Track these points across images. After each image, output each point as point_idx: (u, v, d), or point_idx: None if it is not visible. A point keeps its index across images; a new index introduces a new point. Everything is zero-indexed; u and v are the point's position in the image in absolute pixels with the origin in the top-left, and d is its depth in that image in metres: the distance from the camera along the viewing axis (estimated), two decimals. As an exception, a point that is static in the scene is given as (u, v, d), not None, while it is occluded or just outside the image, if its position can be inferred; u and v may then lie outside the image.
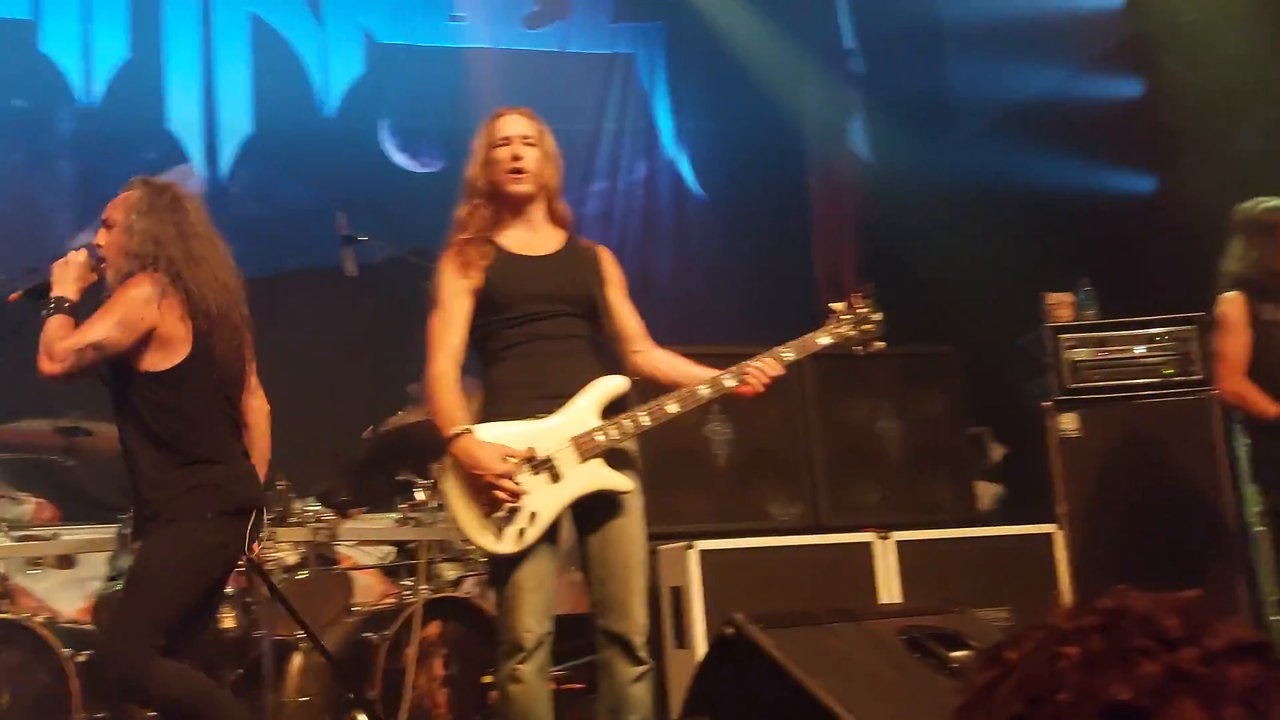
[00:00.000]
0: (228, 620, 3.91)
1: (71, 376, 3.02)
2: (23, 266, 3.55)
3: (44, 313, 3.05)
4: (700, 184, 7.56)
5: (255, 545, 3.26)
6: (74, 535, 4.41)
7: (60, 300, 3.05)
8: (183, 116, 7.00)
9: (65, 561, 4.35)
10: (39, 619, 3.84)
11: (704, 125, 7.55)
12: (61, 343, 2.97)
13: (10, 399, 5.37)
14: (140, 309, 2.99)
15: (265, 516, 3.18)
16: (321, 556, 4.20)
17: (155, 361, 3.02)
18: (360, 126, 7.14)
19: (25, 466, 4.73)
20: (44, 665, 3.66)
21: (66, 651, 3.65)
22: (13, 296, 3.16)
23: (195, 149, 6.99)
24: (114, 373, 3.05)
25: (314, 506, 4.20)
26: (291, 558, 4.10)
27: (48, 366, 2.99)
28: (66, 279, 3.08)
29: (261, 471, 3.31)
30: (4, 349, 5.89)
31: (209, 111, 7.02)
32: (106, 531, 4.10)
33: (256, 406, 3.33)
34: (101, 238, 3.16)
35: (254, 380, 3.33)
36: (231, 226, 6.90)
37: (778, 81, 7.21)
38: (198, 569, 2.99)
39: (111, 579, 3.98)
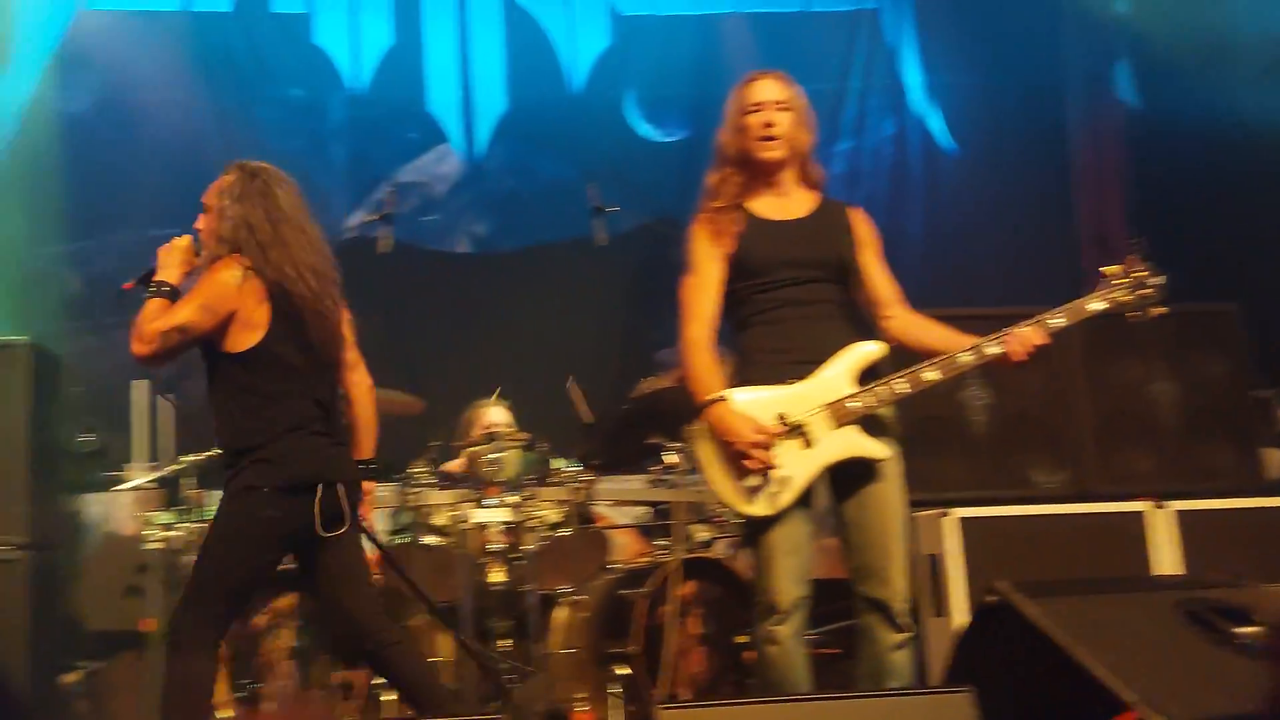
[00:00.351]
0: (496, 574, 4.12)
1: (158, 358, 3.09)
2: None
3: (144, 297, 3.13)
4: (953, 139, 7.32)
5: (364, 510, 3.34)
6: (358, 493, 4.74)
7: (160, 284, 3.12)
8: (441, 98, 7.36)
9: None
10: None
11: (955, 78, 7.30)
12: (150, 325, 3.04)
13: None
14: (222, 292, 3.05)
15: (340, 490, 3.09)
16: (581, 515, 4.36)
17: (236, 343, 3.07)
18: (607, 99, 7.30)
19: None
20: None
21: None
22: (126, 285, 3.24)
23: (454, 129, 7.34)
24: (204, 352, 3.12)
25: (574, 467, 4.35)
26: (553, 516, 4.27)
27: (137, 348, 3.07)
28: (170, 264, 3.17)
29: (368, 443, 3.41)
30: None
31: (466, 92, 7.36)
32: (387, 489, 4.38)
33: (357, 381, 3.39)
34: (200, 222, 3.22)
35: (354, 355, 3.37)
36: (488, 203, 7.31)
37: (1033, 27, 6.87)
38: (250, 541, 3.05)
39: (395, 533, 4.28)
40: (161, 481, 5.21)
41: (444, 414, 5.03)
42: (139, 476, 5.36)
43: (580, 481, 4.33)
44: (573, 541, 4.28)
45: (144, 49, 6.95)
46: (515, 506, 4.11)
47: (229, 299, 3.05)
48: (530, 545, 4.06)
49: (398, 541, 4.25)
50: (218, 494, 4.20)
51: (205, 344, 3.09)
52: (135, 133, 6.86)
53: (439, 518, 4.26)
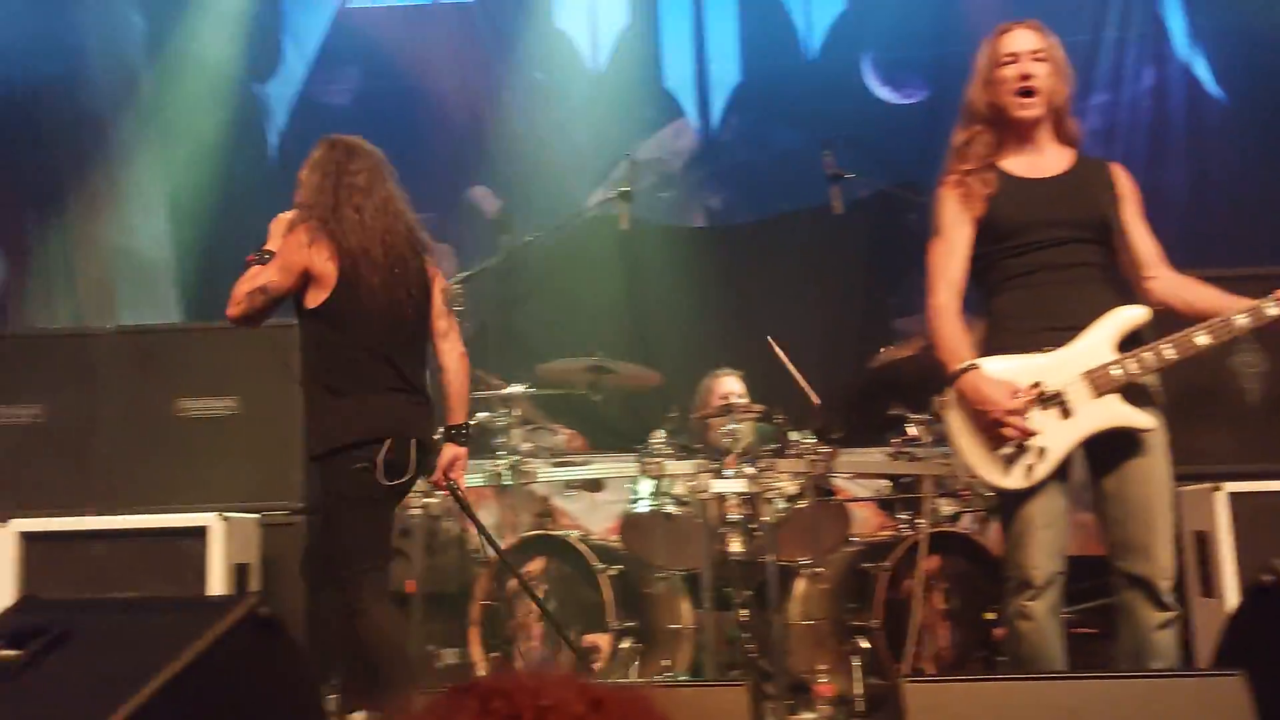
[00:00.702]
0: (735, 544, 4.15)
1: (249, 317, 3.35)
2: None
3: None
4: (1220, 87, 6.77)
5: (446, 473, 3.48)
6: (600, 463, 4.88)
7: (265, 253, 3.37)
8: (677, 73, 7.41)
9: (594, 485, 4.84)
10: (575, 535, 4.30)
11: (1224, 21, 6.74)
12: (239, 287, 3.31)
13: (547, 341, 6.04)
14: (294, 252, 3.28)
15: (414, 448, 3.26)
16: (819, 488, 4.32)
17: (311, 299, 3.30)
18: (842, 64, 7.15)
19: (559, 401, 5.30)
20: (582, 576, 4.10)
21: (600, 565, 4.06)
22: (249, 258, 3.43)
23: (689, 103, 7.38)
24: (296, 311, 3.36)
25: (810, 439, 4.31)
26: (791, 488, 4.25)
27: (230, 309, 3.35)
28: (274, 234, 3.41)
29: (459, 410, 3.51)
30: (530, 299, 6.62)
31: (700, 66, 7.37)
32: (627, 459, 4.48)
33: (448, 349, 3.51)
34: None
35: (445, 324, 3.51)
36: (723, 176, 7.31)
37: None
38: (354, 492, 3.25)
39: (634, 502, 4.37)
40: (420, 451, 5.50)
41: (681, 386, 5.09)
42: (400, 446, 5.69)
43: (818, 454, 4.28)
44: (812, 513, 4.24)
45: (397, 42, 7.33)
46: (752, 478, 4.11)
47: (299, 257, 3.28)
48: (768, 516, 4.06)
49: (638, 510, 4.33)
50: (471, 463, 4.41)
51: (295, 302, 3.34)
52: (390, 122, 7.24)
53: (679, 487, 4.31)
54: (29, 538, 4.18)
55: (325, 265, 3.29)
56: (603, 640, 3.97)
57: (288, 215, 3.45)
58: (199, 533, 4.17)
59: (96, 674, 2.50)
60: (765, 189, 7.05)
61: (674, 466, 4.22)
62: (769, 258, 6.57)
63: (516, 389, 4.48)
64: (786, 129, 6.87)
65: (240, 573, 4.24)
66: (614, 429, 6.04)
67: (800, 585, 4.17)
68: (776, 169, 6.94)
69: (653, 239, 6.75)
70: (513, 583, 4.10)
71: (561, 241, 6.43)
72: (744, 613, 4.10)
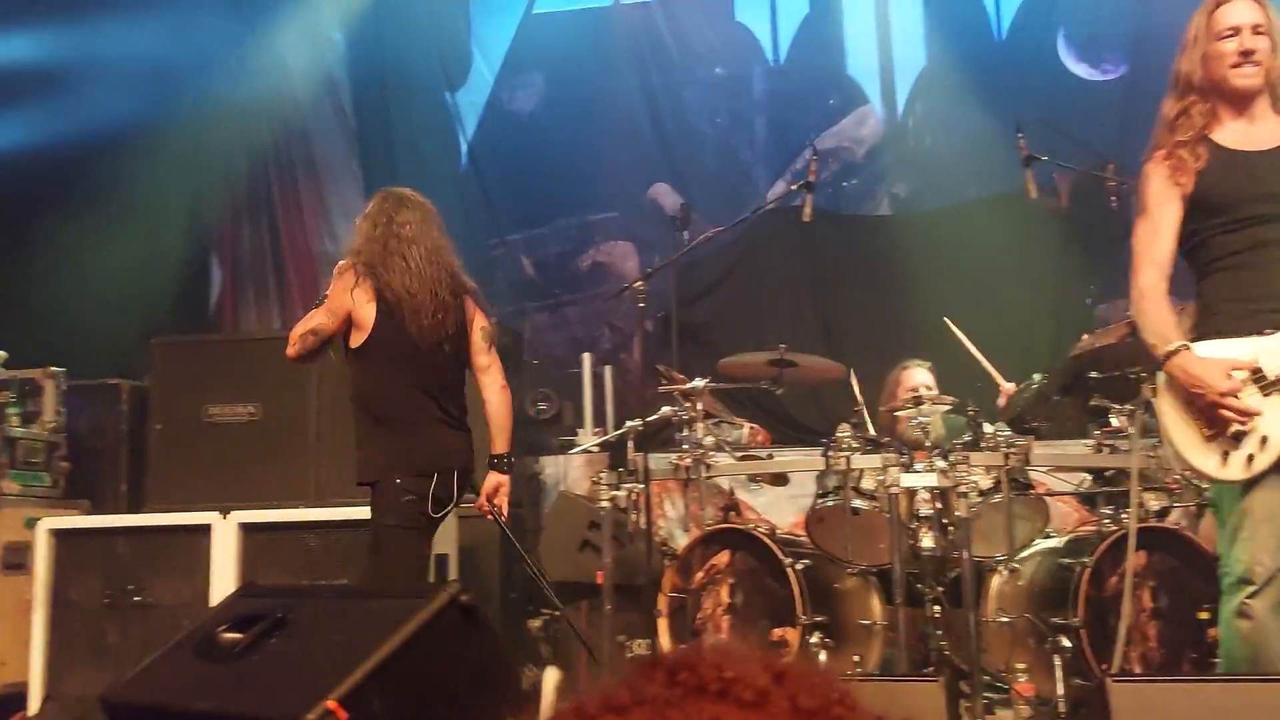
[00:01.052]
0: (926, 539, 4.06)
1: (304, 358, 3.67)
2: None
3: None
4: None
5: (490, 499, 3.75)
6: (785, 456, 4.85)
7: (322, 298, 3.69)
8: (860, 60, 7.29)
9: (779, 479, 4.81)
10: (761, 529, 4.29)
11: None
12: (294, 330, 3.64)
13: (731, 335, 6.05)
14: (338, 298, 3.60)
15: (457, 479, 3.57)
16: (1015, 481, 4.17)
17: (353, 340, 3.60)
18: (1034, 42, 6.89)
19: (742, 395, 5.30)
20: (770, 570, 4.08)
21: (787, 559, 4.04)
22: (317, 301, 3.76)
23: (873, 90, 7.25)
24: (345, 350, 3.64)
25: (1004, 432, 4.17)
26: (985, 482, 4.12)
27: (288, 350, 3.64)
28: (334, 279, 3.70)
29: (501, 440, 3.77)
30: (711, 294, 6.63)
31: (884, 51, 7.23)
32: (812, 453, 4.44)
33: (488, 383, 3.77)
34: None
35: (486, 359, 3.76)
36: (909, 162, 7.15)
37: None
38: (401, 523, 3.51)
39: (821, 496, 4.32)
40: (606, 445, 5.61)
41: (867, 378, 5.01)
42: (588, 440, 5.80)
43: (1014, 446, 4.14)
44: (1007, 508, 4.10)
45: (580, 45, 7.47)
46: (944, 471, 4.01)
47: (343, 302, 3.60)
48: (961, 511, 3.94)
49: (825, 504, 4.28)
50: (655, 456, 4.46)
51: (342, 342, 3.64)
52: (574, 125, 7.39)
53: (866, 481, 4.24)
54: (248, 528, 4.46)
55: (365, 307, 3.59)
56: (791, 635, 3.95)
57: (344, 261, 3.72)
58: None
59: (312, 656, 2.65)
60: (953, 174, 6.86)
61: (861, 460, 4.15)
62: (958, 245, 6.38)
63: (698, 383, 4.50)
64: (976, 111, 6.65)
65: (440, 562, 4.41)
66: (798, 422, 6.00)
67: (995, 582, 4.05)
68: (965, 153, 6.74)
69: (836, 229, 6.67)
70: (699, 576, 4.12)
71: (743, 235, 6.44)
72: (936, 609, 4.00)
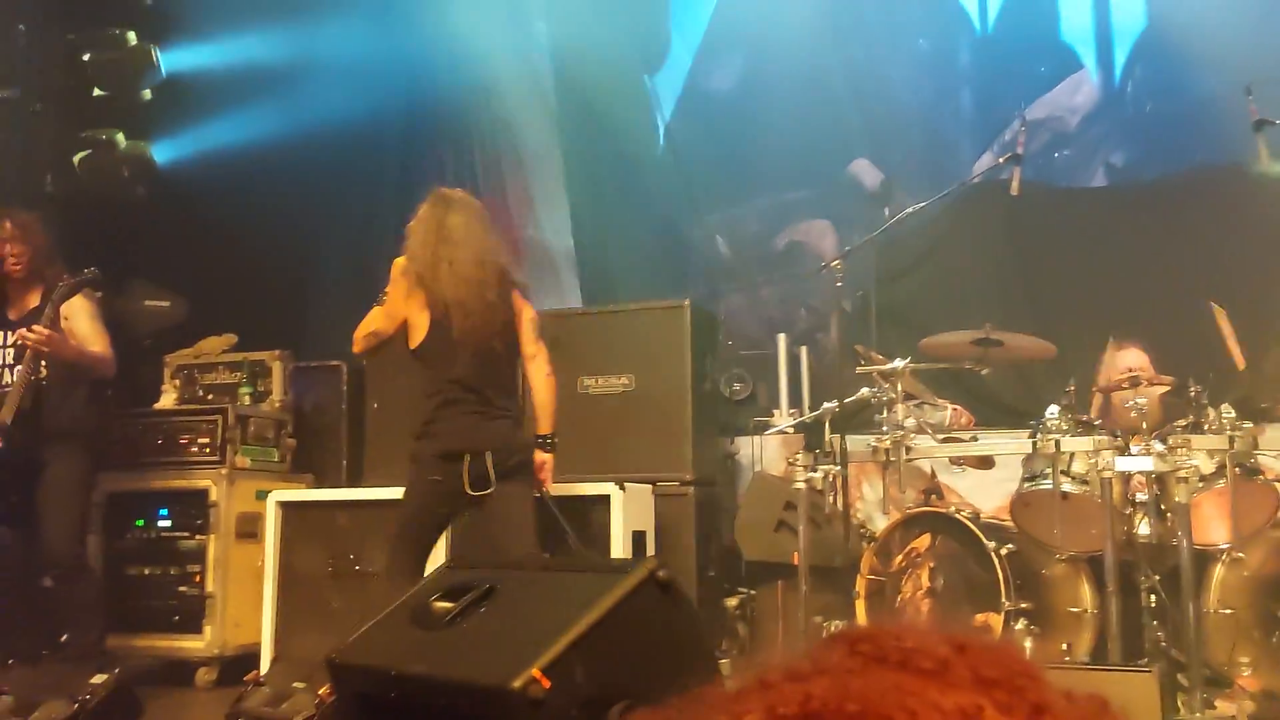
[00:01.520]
0: (1142, 526, 3.88)
1: (365, 355, 4.15)
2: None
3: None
4: None
5: (543, 476, 3.98)
6: (990, 439, 4.71)
7: (382, 296, 3.95)
8: (1075, 25, 6.96)
9: (984, 462, 4.67)
10: (964, 513, 4.19)
11: None
12: (359, 330, 3.94)
13: (932, 315, 5.90)
14: (396, 304, 3.88)
15: (488, 459, 3.81)
16: (1242, 466, 3.93)
17: (411, 342, 3.90)
18: (1269, -2, 6.42)
19: (945, 375, 5.17)
20: (973, 555, 3.98)
21: (991, 543, 3.93)
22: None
23: (1088, 55, 6.92)
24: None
25: (1230, 414, 3.93)
26: (1207, 466, 3.90)
27: (354, 348, 4.00)
28: (393, 278, 3.93)
29: (545, 422, 4.03)
30: (913, 271, 6.47)
31: (1101, 15, 6.89)
32: (1019, 436, 4.29)
33: (534, 371, 4.02)
34: None
35: (532, 349, 4.00)
36: (1127, 130, 6.79)
37: None
38: (422, 499, 3.90)
39: (1028, 480, 4.18)
40: (802, 426, 5.58)
41: (1078, 358, 4.80)
42: (783, 421, 5.79)
43: (1240, 430, 3.89)
44: (1233, 494, 3.87)
45: (779, 22, 7.41)
46: (1162, 455, 3.81)
47: (399, 308, 3.90)
48: (1181, 497, 3.74)
49: (1032, 488, 4.14)
50: (853, 438, 4.42)
51: (403, 341, 3.89)
52: (772, 103, 7.34)
53: (1077, 465, 4.08)
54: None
55: (420, 315, 3.89)
56: (994, 620, 3.84)
57: (401, 261, 3.97)
58: (603, 500, 4.47)
59: (517, 625, 2.76)
60: (1176, 141, 6.46)
61: (1071, 443, 3.99)
62: (1180, 216, 6.02)
63: (898, 364, 4.41)
64: (1203, 74, 6.23)
65: (637, 538, 4.50)
66: (1004, 404, 5.80)
67: (1218, 571, 3.82)
68: (1190, 119, 6.33)
69: (1047, 202, 6.39)
70: (898, 559, 4.06)
71: (947, 210, 6.25)
72: (1152, 599, 3.82)
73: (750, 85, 7.54)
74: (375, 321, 3.95)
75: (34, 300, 4.66)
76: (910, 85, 7.26)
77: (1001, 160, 4.68)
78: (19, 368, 4.47)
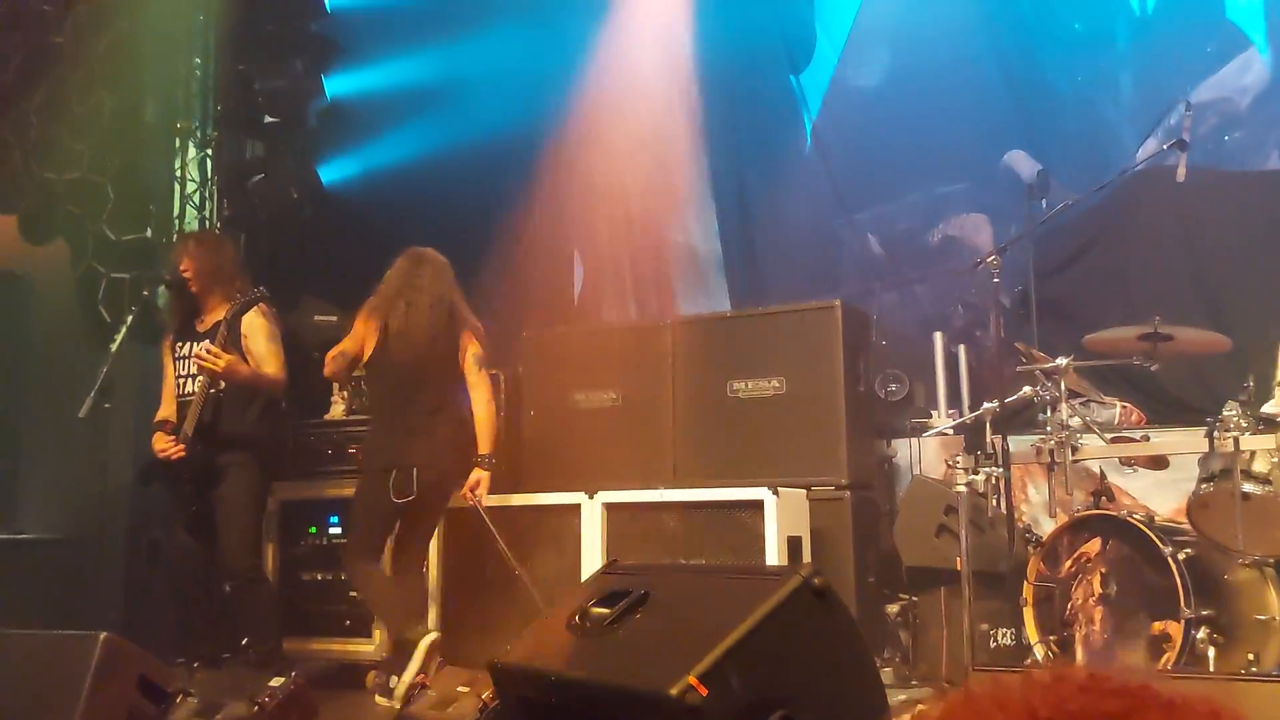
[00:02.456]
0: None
1: (335, 376, 4.93)
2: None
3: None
4: None
5: (472, 490, 4.64)
6: (1163, 437, 4.50)
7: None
8: (1241, 1, 6.62)
9: (1157, 462, 4.47)
10: (1137, 516, 4.01)
11: None
12: (330, 354, 4.68)
13: (1096, 309, 5.68)
14: (357, 329, 4.68)
15: (415, 473, 4.50)
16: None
17: (362, 359, 4.66)
18: None
19: (1112, 372, 4.96)
20: (1148, 560, 3.81)
21: (1167, 548, 3.75)
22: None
23: (1258, 33, 6.56)
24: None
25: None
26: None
27: (324, 370, 4.73)
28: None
29: (484, 443, 4.70)
30: (1074, 265, 6.21)
31: (1270, -9, 6.53)
32: (1194, 434, 4.09)
33: (476, 398, 4.72)
34: None
35: (474, 379, 4.72)
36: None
37: None
38: (365, 505, 4.66)
39: (1205, 480, 3.98)
40: (961, 427, 5.44)
41: (1257, 350, 4.54)
42: (942, 422, 5.66)
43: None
44: None
45: (926, 13, 7.26)
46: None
47: (357, 333, 4.66)
48: (1377, 497, 3.51)
49: (1210, 489, 3.93)
50: (1016, 439, 4.29)
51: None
52: (921, 96, 7.19)
53: (1258, 464, 3.86)
54: (611, 508, 4.71)
55: (371, 338, 4.64)
56: (1173, 629, 3.67)
57: (373, 298, 4.73)
58: (756, 505, 4.45)
59: (673, 631, 2.77)
60: (1363, 117, 6.07)
61: (1251, 441, 3.78)
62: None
63: (1061, 362, 4.26)
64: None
65: (793, 544, 4.46)
66: (1177, 400, 5.53)
67: None
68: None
69: (1216, 188, 6.06)
70: (1067, 564, 3.92)
71: (1108, 200, 6.00)
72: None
73: (898, 79, 7.41)
74: (342, 345, 4.71)
75: (219, 314, 4.92)
76: (1066, 72, 7.01)
77: (1166, 146, 4.47)
78: (199, 378, 4.72)
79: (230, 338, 4.68)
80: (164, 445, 4.69)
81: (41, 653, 3.60)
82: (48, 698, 3.20)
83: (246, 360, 4.76)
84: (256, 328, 4.83)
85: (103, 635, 3.45)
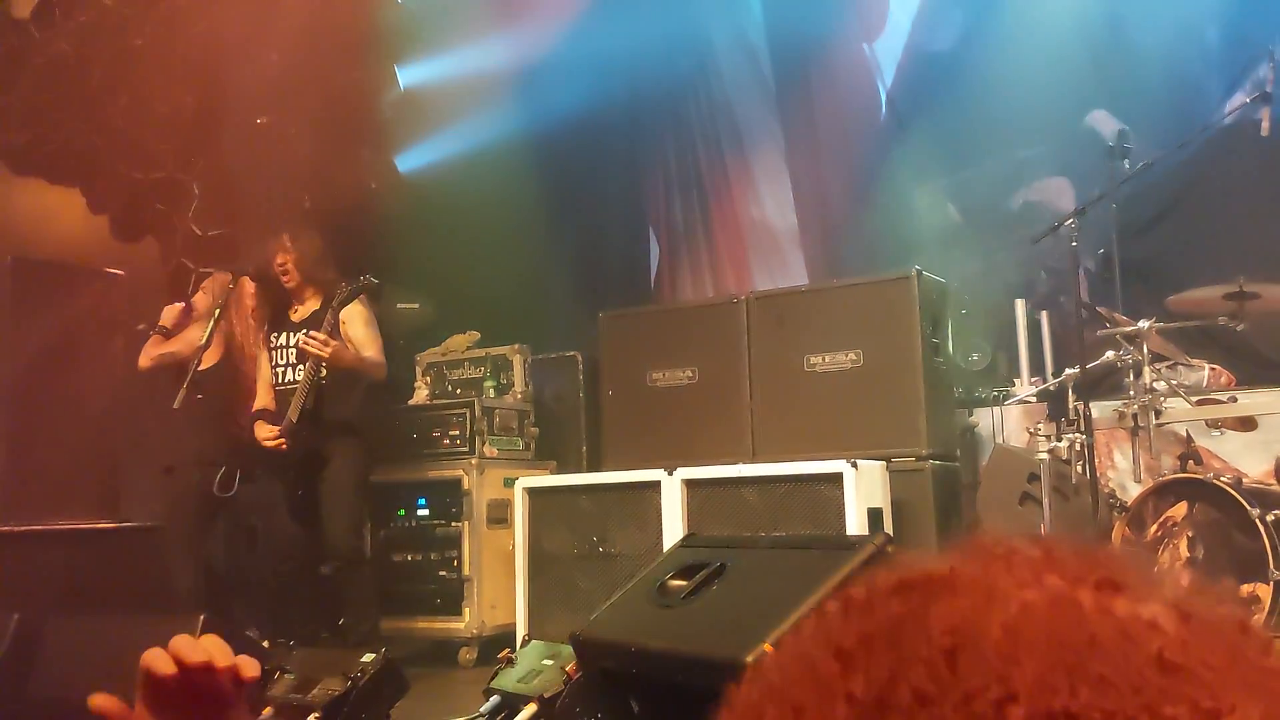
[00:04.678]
0: None
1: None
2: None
3: None
4: None
5: None
6: (1252, 398, 4.39)
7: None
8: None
9: (1245, 424, 4.36)
10: (1225, 479, 3.93)
11: None
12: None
13: (1180, 270, 5.54)
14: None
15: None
16: None
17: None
18: None
19: (1197, 333, 4.85)
20: (1236, 523, 3.74)
21: (1256, 510, 3.67)
22: None
23: (1350, -24, 6.30)
24: None
25: None
26: None
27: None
28: None
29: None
30: (1157, 225, 6.07)
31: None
32: (1287, 394, 4.00)
33: None
34: None
35: None
36: None
37: None
38: None
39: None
40: (1044, 394, 5.36)
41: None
42: (1024, 390, 5.58)
43: None
44: None
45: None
46: None
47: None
48: None
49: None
50: (1100, 404, 4.22)
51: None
52: (997, 59, 7.04)
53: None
54: (690, 484, 4.75)
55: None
56: (1263, 591, 3.59)
57: None
58: (835, 479, 4.45)
59: (748, 602, 2.81)
60: None
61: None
62: None
63: (1143, 325, 4.18)
64: None
65: (874, 516, 4.45)
66: (1267, 360, 5.38)
67: None
68: None
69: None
70: (1153, 529, 3.86)
71: (1193, 158, 5.83)
72: None
73: (972, 43, 7.26)
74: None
75: (313, 304, 5.04)
76: (1148, 27, 6.80)
77: (1250, 100, 4.34)
78: (302, 368, 4.85)
79: (333, 325, 4.78)
80: (267, 434, 4.83)
81: (148, 634, 3.76)
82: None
83: (347, 347, 4.87)
84: (355, 314, 4.94)
85: (202, 615, 3.60)
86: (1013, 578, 0.55)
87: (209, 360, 5.22)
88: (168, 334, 5.25)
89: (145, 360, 5.28)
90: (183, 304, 5.34)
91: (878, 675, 0.52)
